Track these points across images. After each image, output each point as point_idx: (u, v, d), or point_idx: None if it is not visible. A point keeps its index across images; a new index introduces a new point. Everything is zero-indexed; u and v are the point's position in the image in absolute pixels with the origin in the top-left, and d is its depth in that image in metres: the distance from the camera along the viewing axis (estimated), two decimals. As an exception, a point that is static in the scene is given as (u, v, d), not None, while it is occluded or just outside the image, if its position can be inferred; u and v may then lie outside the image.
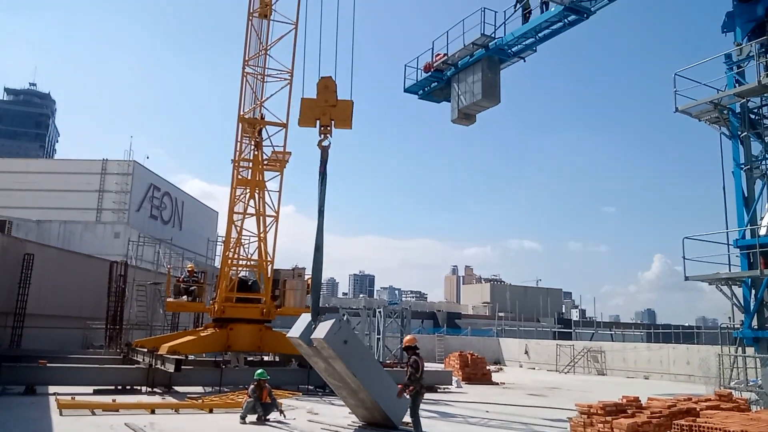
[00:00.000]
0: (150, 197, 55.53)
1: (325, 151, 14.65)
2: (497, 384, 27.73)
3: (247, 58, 22.64)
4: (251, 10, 22.70)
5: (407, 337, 12.95)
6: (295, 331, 13.56)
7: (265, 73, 22.83)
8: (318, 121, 14.94)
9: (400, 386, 12.19)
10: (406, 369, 12.15)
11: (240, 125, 22.57)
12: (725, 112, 17.73)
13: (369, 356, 13.92)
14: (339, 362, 12.73)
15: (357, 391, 13.17)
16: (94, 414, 14.14)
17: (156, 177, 57.70)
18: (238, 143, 22.64)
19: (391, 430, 13.13)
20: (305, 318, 13.72)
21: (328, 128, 14.89)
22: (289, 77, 22.34)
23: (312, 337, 12.94)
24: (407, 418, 12.42)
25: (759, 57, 16.88)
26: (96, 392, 17.36)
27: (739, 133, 17.59)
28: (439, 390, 22.87)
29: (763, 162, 17.33)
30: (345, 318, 34.47)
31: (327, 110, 14.88)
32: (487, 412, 17.43)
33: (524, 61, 21.37)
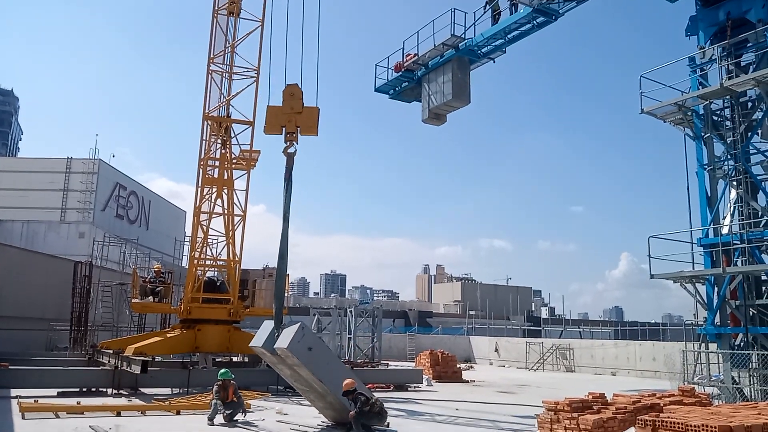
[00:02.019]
0: (116, 196, 54.55)
1: (290, 158, 14.63)
2: (467, 382, 27.91)
3: (212, 56, 22.36)
4: (217, 7, 22.44)
5: (346, 381, 12.55)
6: (258, 340, 13.36)
7: (232, 71, 22.62)
8: (284, 129, 14.90)
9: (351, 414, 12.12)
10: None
11: (205, 123, 22.32)
12: (689, 113, 18.08)
13: (334, 360, 13.83)
14: (304, 369, 12.63)
15: (324, 395, 13.11)
16: (57, 417, 13.89)
17: (122, 176, 56.72)
18: (205, 142, 22.37)
19: None
20: (267, 326, 13.52)
21: (294, 135, 14.85)
22: (256, 75, 22.15)
23: (275, 346, 12.77)
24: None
25: (721, 60, 17.26)
26: (60, 394, 17.08)
27: (703, 134, 17.96)
28: (409, 389, 22.93)
29: (726, 163, 17.71)
30: (315, 319, 34.37)
31: (292, 117, 14.85)
32: (457, 410, 17.51)
33: (494, 62, 21.54)
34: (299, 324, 12.99)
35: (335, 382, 12.85)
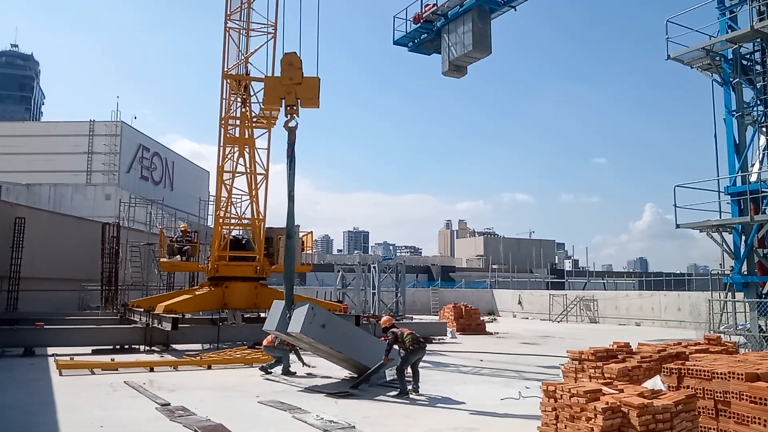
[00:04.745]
0: (139, 158, 55.03)
1: (292, 132, 13.92)
2: (491, 334, 28.17)
3: (229, 12, 22.12)
4: (233, -37, 22.09)
5: (383, 319, 13.09)
6: (271, 324, 13.37)
7: (249, 28, 22.37)
8: (283, 101, 14.11)
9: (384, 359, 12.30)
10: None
11: (225, 82, 22.23)
12: (717, 58, 17.58)
13: (350, 329, 13.78)
14: (321, 344, 12.82)
15: (346, 360, 13.37)
16: (93, 373, 14.30)
17: (145, 137, 57.07)
18: (225, 100, 22.32)
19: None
20: (278, 306, 13.43)
21: (294, 108, 14.05)
22: (273, 30, 21.90)
23: (288, 330, 12.77)
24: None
25: (752, 1, 16.65)
26: (95, 352, 17.55)
27: (731, 79, 17.48)
28: (434, 341, 23.21)
29: (755, 108, 17.26)
30: (340, 275, 34.69)
31: (292, 89, 13.98)
32: (481, 360, 17.73)
33: (515, 10, 20.97)
34: (308, 305, 12.82)
35: (355, 349, 13.03)
